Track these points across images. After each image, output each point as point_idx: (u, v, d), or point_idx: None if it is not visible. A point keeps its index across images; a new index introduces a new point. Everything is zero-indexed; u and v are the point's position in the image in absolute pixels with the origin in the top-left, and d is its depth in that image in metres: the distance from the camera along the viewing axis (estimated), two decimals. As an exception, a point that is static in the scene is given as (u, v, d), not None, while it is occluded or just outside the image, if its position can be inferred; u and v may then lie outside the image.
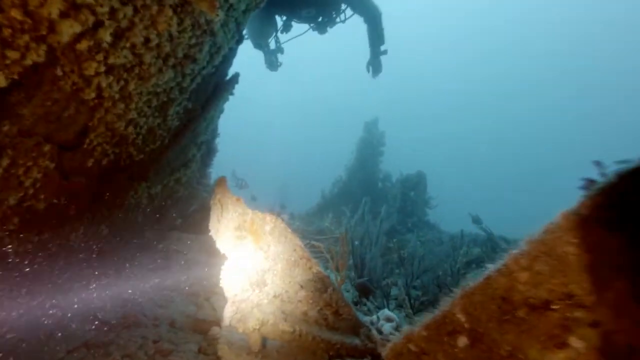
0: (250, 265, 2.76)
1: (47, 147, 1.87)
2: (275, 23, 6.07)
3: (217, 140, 5.04)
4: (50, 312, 3.19)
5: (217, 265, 4.71)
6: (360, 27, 6.36)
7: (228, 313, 2.78)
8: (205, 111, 3.49)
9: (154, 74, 2.16)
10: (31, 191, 1.95)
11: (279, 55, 6.49)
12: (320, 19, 5.95)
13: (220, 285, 4.27)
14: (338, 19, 5.95)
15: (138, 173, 3.11)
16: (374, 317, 3.05)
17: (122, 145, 2.52)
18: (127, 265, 4.12)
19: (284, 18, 6.09)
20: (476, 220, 5.08)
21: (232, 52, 3.25)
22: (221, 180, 2.73)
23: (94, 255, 3.35)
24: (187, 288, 4.16)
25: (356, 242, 4.86)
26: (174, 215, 4.79)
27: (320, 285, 2.83)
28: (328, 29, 6.10)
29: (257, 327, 2.70)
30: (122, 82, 2.00)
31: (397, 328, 2.91)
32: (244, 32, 5.99)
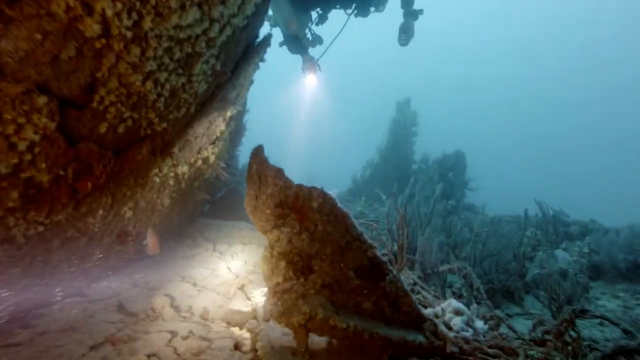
0: (294, 249, 2.29)
1: (42, 100, 1.42)
2: (310, 14, 5.48)
3: (246, 118, 4.60)
4: (71, 302, 2.84)
5: (250, 251, 4.29)
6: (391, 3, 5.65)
7: (269, 306, 2.33)
8: (234, 77, 3.01)
9: (174, 9, 1.68)
10: (28, 157, 1.52)
11: (317, 47, 5.78)
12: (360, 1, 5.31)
13: (257, 272, 3.84)
14: None
15: (161, 147, 2.67)
16: (438, 308, 2.53)
17: (141, 108, 2.06)
18: (148, 255, 3.74)
19: (320, 11, 5.49)
20: (542, 207, 4.42)
21: (264, 5, 2.75)
22: (258, 150, 2.25)
23: (116, 241, 2.96)
24: (218, 276, 3.76)
25: (393, 225, 4.33)
26: (202, 199, 4.38)
27: (377, 273, 2.32)
28: (372, 9, 5.41)
29: (303, 322, 2.22)
30: (134, 15, 1.52)
31: (469, 323, 2.39)
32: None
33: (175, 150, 2.81)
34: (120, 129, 2.05)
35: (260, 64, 3.71)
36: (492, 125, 50.50)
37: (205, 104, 2.89)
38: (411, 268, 3.55)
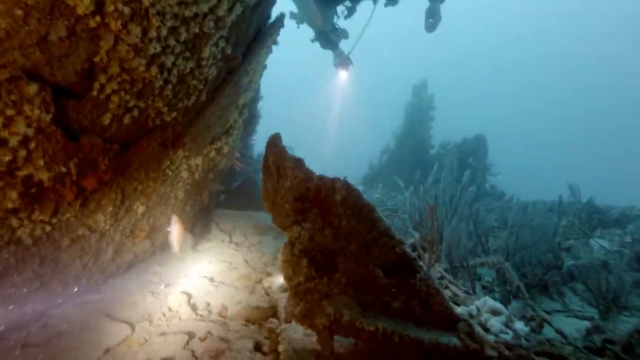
0: (316, 246, 2.11)
1: (32, 88, 1.24)
2: (334, 9, 5.24)
3: (260, 105, 4.38)
4: (87, 300, 2.73)
5: (267, 243, 4.13)
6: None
7: (290, 307, 2.16)
8: (246, 61, 2.79)
9: (177, -18, 1.47)
10: (22, 153, 1.35)
11: (343, 40, 5.53)
12: None
13: (275, 264, 3.68)
14: None
15: (172, 138, 2.49)
16: (473, 307, 2.32)
17: (147, 96, 1.87)
18: (164, 248, 3.62)
19: (349, 4, 5.25)
20: (574, 190, 4.10)
21: (276, -20, 2.50)
22: (275, 138, 2.05)
23: (130, 237, 2.83)
24: (235, 269, 3.62)
25: (417, 216, 4.11)
26: (216, 190, 4.23)
27: (407, 270, 2.11)
28: None
29: (327, 324, 2.04)
30: (131, -12, 1.32)
31: (507, 324, 2.18)
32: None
33: (187, 141, 2.63)
34: (126, 120, 1.87)
35: (275, 51, 3.48)
36: (514, 109, 48.71)
37: (217, 91, 2.69)
38: (436, 260, 3.32)
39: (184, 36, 1.80)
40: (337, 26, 5.31)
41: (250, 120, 4.19)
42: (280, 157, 2.04)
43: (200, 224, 4.41)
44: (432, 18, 4.87)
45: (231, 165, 4.13)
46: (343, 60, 5.17)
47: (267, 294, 3.16)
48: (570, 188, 4.07)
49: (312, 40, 5.26)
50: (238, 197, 5.28)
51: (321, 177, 1.96)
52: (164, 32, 1.63)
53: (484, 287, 3.04)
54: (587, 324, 2.38)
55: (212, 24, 1.97)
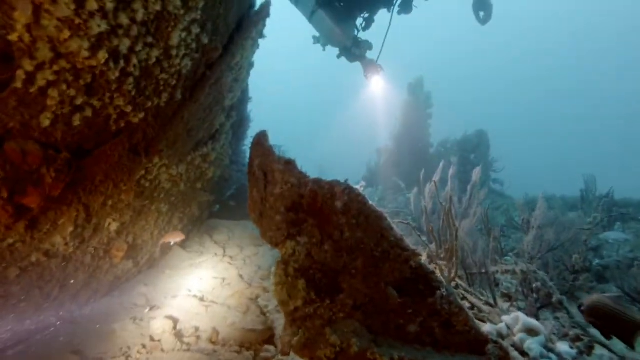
0: (315, 264, 1.73)
1: None
2: (352, 22, 4.94)
3: (250, 108, 4.00)
4: (57, 332, 2.33)
5: (264, 254, 3.73)
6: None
7: (287, 337, 1.77)
8: (229, 55, 2.42)
9: None
10: None
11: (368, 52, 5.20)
12: None
13: (270, 279, 3.28)
14: None
15: (145, 144, 2.10)
16: (502, 325, 1.93)
17: (102, 91, 1.49)
18: (151, 265, 3.21)
19: (366, 15, 4.94)
20: (589, 184, 3.71)
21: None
22: (260, 138, 1.67)
23: (105, 258, 2.42)
24: (229, 286, 3.22)
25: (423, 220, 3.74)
26: (207, 200, 3.83)
27: (424, 287, 1.73)
28: (414, 5, 4.83)
29: (333, 355, 1.65)
30: None
31: (548, 346, 1.79)
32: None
33: (163, 147, 2.24)
34: (76, 122, 1.48)
35: (268, 50, 3.12)
36: (514, 105, 47.54)
37: (196, 88, 2.30)
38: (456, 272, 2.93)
39: (141, 14, 1.42)
40: (359, 39, 5.00)
41: (240, 124, 3.81)
42: (267, 160, 1.65)
43: (192, 237, 4.01)
44: (484, 10, 4.43)
45: (222, 174, 3.74)
46: (373, 68, 4.86)
47: (263, 313, 2.76)
48: (586, 182, 3.70)
49: (338, 57, 4.98)
50: (233, 206, 4.89)
51: (317, 181, 1.57)
52: (109, 5, 1.25)
53: (506, 297, 2.64)
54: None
55: (178, 3, 1.59)
